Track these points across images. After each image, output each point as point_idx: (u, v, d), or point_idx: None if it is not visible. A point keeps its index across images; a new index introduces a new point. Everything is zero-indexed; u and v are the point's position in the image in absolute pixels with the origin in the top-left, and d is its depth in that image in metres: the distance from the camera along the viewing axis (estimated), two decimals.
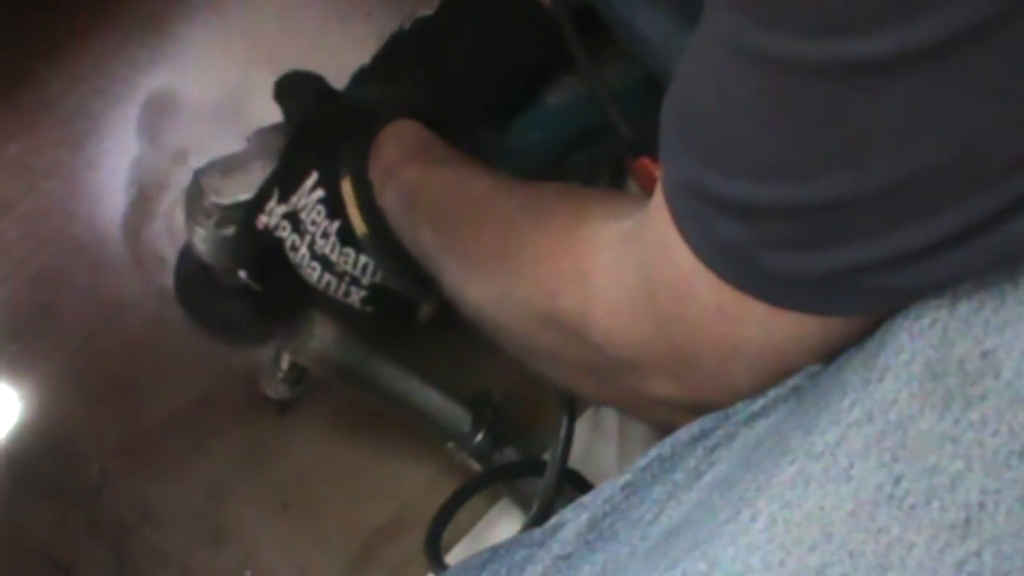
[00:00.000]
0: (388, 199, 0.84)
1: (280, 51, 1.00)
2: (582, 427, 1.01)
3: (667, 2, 0.87)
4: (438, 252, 0.79)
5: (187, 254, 1.02)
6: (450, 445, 0.96)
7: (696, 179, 0.54)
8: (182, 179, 1.05)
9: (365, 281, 0.88)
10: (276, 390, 1.00)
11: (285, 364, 0.98)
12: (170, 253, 1.05)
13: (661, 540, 0.57)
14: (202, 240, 0.97)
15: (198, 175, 0.96)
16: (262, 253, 0.92)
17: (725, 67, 0.49)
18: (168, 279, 1.04)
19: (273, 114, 0.97)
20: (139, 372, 1.02)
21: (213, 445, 1.01)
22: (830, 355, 0.57)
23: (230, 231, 0.95)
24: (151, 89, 1.07)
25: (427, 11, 0.96)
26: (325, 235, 0.87)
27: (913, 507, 0.49)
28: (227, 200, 0.94)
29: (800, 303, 0.54)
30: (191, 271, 1.03)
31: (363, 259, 0.87)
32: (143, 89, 1.07)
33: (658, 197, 0.58)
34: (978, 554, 0.48)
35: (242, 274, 0.95)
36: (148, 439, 1.00)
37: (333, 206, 0.87)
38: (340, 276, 0.89)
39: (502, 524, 1.00)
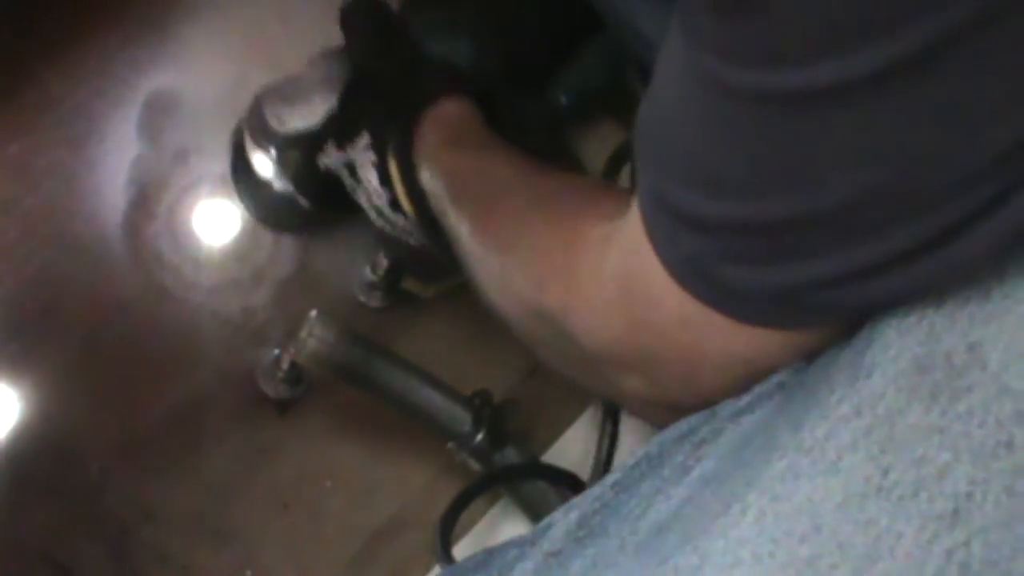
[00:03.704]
0: (425, 180, 0.87)
1: (280, 51, 1.00)
2: (581, 429, 1.02)
3: (667, 1, 0.87)
4: (457, 235, 0.81)
5: (240, 157, 1.04)
6: (450, 445, 0.96)
7: (662, 190, 0.55)
8: (182, 179, 1.06)
9: (418, 237, 0.90)
10: (276, 390, 1.00)
11: (285, 364, 0.98)
12: (170, 253, 1.05)
13: (651, 535, 0.57)
14: (263, 160, 1.00)
15: (261, 101, 0.97)
16: (323, 186, 0.96)
17: (683, 86, 0.52)
18: (167, 278, 1.04)
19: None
20: (139, 372, 1.02)
21: (213, 445, 1.01)
22: (797, 361, 0.57)
23: (293, 155, 0.97)
24: (151, 89, 1.08)
25: None
26: (379, 195, 0.90)
27: (901, 498, 0.49)
28: (288, 129, 0.97)
29: (758, 318, 0.55)
30: (245, 172, 1.04)
31: (414, 226, 0.89)
32: (143, 89, 1.07)
33: (635, 203, 0.59)
34: (967, 544, 0.48)
35: (303, 202, 1.00)
36: (148, 439, 1.00)
37: (383, 176, 0.89)
38: (394, 227, 0.91)
39: (502, 525, 1.00)
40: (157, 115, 1.07)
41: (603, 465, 0.93)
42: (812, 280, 0.52)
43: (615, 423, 0.93)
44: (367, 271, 1.02)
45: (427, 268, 1.00)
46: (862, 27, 0.43)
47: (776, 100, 0.46)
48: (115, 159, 1.06)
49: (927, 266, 0.50)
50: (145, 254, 1.04)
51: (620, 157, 1.01)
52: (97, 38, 1.07)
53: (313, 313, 0.94)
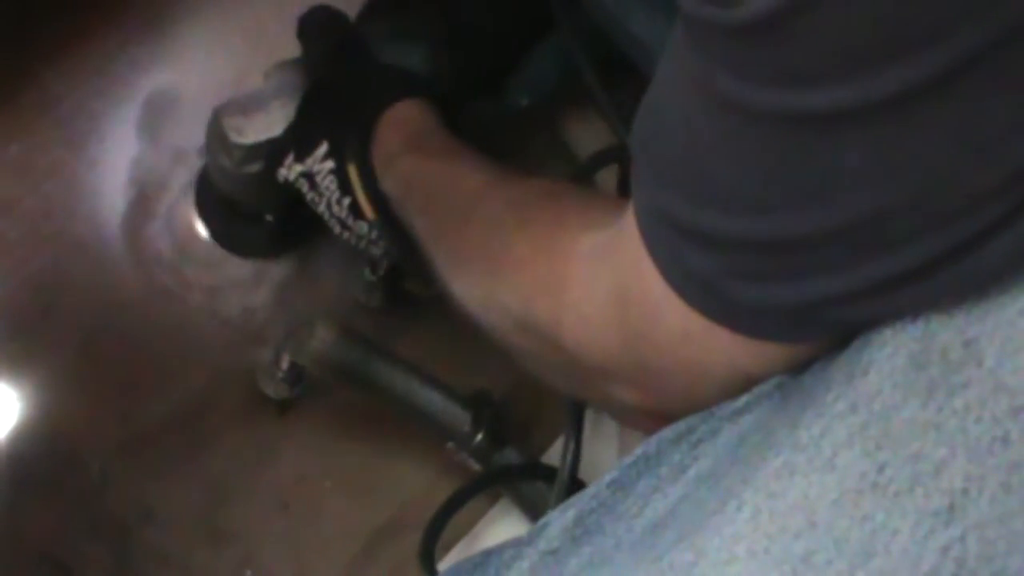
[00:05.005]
0: (388, 185, 0.86)
1: (280, 51, 1.00)
2: None
3: (662, 4, 0.87)
4: (429, 244, 0.81)
5: (205, 180, 1.04)
6: (450, 445, 0.96)
7: (665, 207, 0.54)
8: (182, 179, 1.06)
9: (382, 244, 0.90)
10: (276, 390, 1.00)
11: (285, 364, 0.98)
12: (170, 253, 1.05)
13: (647, 532, 0.57)
14: (224, 176, 0.99)
15: (219, 114, 0.97)
16: (285, 201, 0.96)
17: (691, 101, 0.51)
18: (167, 278, 1.04)
19: None
20: (139, 372, 1.02)
21: (213, 445, 1.01)
22: (798, 372, 0.57)
23: (253, 168, 0.97)
24: (151, 89, 1.08)
25: None
26: (339, 203, 0.89)
27: (897, 494, 0.49)
28: (248, 140, 0.96)
29: (765, 332, 0.55)
30: (210, 197, 1.05)
31: (375, 231, 0.89)
32: (143, 89, 1.08)
33: (631, 216, 0.58)
34: (962, 539, 0.48)
35: (268, 218, 1.00)
36: (148, 439, 1.00)
37: (343, 183, 0.89)
38: (358, 237, 0.91)
39: (501, 525, 1.00)
40: (157, 115, 1.07)
41: (567, 480, 0.91)
42: (824, 296, 0.51)
43: (579, 433, 0.92)
44: (367, 271, 1.02)
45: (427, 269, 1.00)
46: (884, 50, 0.43)
47: (795, 120, 0.46)
48: (115, 159, 1.06)
49: (939, 281, 0.49)
50: (145, 254, 1.04)
51: (606, 155, 1.00)
52: (97, 38, 1.07)
53: (313, 314, 0.95)
